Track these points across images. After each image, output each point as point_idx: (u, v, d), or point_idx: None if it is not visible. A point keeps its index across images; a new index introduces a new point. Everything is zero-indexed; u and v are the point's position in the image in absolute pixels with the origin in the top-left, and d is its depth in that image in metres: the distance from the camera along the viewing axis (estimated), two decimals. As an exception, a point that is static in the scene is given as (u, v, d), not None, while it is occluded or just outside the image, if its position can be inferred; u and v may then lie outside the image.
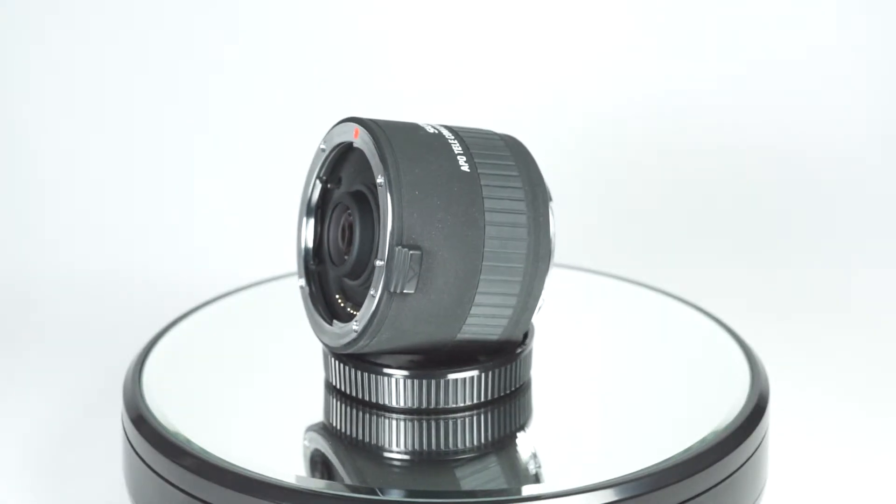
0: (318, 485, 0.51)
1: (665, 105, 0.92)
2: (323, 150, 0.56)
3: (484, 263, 0.52)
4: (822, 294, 0.84)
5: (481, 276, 0.52)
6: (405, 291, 0.51)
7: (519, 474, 0.53)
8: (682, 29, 0.92)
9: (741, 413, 0.55)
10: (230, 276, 0.79)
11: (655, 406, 0.58)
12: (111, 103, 0.91)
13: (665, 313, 0.66)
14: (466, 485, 0.52)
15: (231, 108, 0.91)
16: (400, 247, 0.51)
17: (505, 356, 0.55)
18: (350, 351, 0.54)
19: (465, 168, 0.53)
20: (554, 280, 0.70)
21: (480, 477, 0.53)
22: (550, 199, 0.55)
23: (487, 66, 0.92)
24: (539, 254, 0.54)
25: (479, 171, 0.53)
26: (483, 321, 0.53)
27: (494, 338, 0.54)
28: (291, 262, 0.75)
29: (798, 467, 0.65)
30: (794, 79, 0.92)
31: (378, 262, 0.51)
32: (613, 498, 0.51)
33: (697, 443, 0.53)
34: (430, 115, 0.67)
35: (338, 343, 0.54)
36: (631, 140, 0.92)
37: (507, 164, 0.54)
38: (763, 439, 0.56)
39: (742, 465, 0.54)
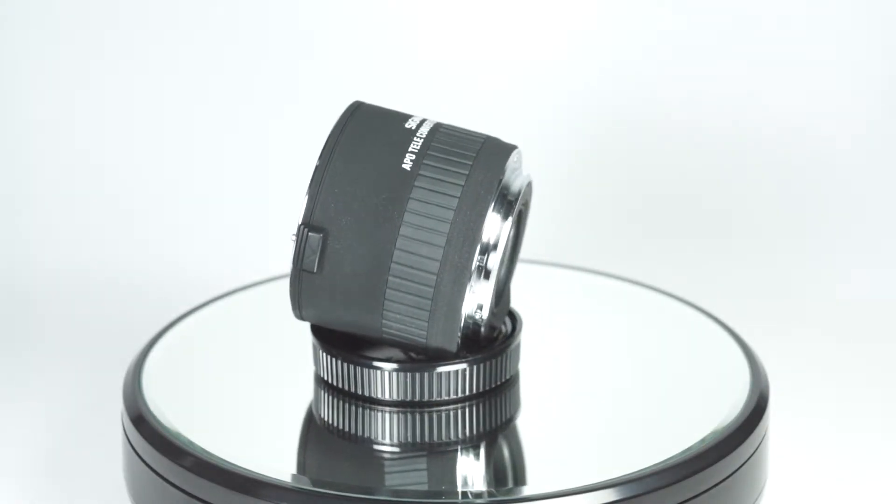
0: (317, 484, 0.51)
1: (666, 105, 0.92)
2: None
3: (393, 262, 0.52)
4: (822, 294, 0.84)
5: (390, 274, 0.52)
6: (305, 269, 0.53)
7: (515, 472, 0.53)
8: (682, 29, 0.92)
9: (741, 413, 0.55)
10: (230, 276, 0.79)
11: (655, 406, 0.58)
12: (111, 102, 0.91)
13: (665, 313, 0.66)
14: (458, 482, 0.52)
15: (231, 107, 0.91)
16: (304, 227, 0.52)
17: (492, 350, 0.55)
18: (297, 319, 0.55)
19: (407, 167, 0.53)
20: (553, 279, 0.71)
21: (473, 474, 0.53)
22: (509, 215, 0.53)
23: (489, 65, 0.92)
24: (458, 264, 0.52)
25: (420, 171, 0.53)
26: (400, 319, 0.53)
27: (421, 340, 0.54)
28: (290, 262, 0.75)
29: (798, 467, 0.65)
30: (795, 79, 0.92)
31: (291, 239, 0.53)
32: (613, 498, 0.51)
33: (697, 443, 0.53)
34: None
35: None
36: (631, 140, 0.92)
37: (456, 172, 0.53)
38: (763, 439, 0.56)
39: (742, 465, 0.54)
